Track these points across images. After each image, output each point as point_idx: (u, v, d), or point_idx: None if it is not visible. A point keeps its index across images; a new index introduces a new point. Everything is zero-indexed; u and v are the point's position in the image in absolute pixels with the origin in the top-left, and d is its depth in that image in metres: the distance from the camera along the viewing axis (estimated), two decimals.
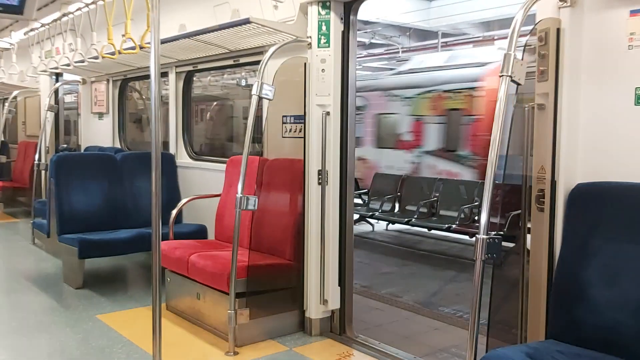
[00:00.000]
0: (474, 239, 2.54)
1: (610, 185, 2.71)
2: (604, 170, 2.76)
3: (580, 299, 2.68)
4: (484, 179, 2.61)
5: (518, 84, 2.62)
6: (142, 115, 8.90)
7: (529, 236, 3.00)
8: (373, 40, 18.45)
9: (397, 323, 5.00)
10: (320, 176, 4.21)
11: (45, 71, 7.76)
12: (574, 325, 2.69)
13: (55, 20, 6.42)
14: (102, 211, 5.74)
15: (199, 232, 5.57)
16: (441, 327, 4.90)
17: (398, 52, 19.12)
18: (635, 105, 2.66)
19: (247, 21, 4.24)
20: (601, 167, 2.77)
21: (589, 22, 2.79)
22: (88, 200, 5.68)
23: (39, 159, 7.74)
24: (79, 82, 8.56)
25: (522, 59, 2.60)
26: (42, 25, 6.86)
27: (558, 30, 2.80)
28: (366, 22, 16.25)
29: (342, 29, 4.20)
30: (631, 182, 2.65)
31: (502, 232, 2.75)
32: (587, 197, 2.76)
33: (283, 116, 4.62)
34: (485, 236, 2.46)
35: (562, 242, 2.82)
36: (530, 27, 2.94)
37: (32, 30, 7.27)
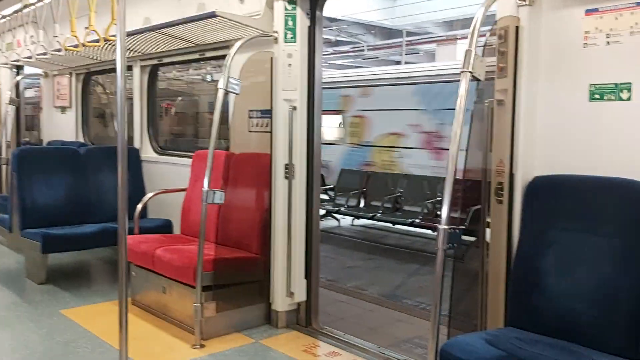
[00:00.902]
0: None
1: (566, 178, 2.82)
2: (560, 164, 2.87)
3: (538, 288, 2.78)
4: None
5: (478, 80, 2.71)
6: (106, 109, 8.79)
7: (488, 230, 3.09)
8: (339, 38, 18.54)
9: (362, 315, 5.08)
10: (287, 170, 4.25)
11: (6, 64, 7.60)
12: (531, 313, 2.79)
13: (16, 12, 6.30)
14: (66, 206, 5.67)
15: (165, 227, 5.55)
16: (405, 318, 5.00)
17: (363, 49, 19.26)
18: (589, 101, 2.77)
19: (212, 15, 4.24)
20: (557, 161, 2.88)
21: (547, 20, 2.90)
22: (51, 195, 5.60)
23: (0, 154, 7.58)
24: (41, 75, 8.40)
25: (482, 56, 2.69)
26: (3, 17, 6.73)
27: (517, 28, 2.89)
28: (332, 20, 16.33)
29: (309, 24, 4.24)
30: (585, 174, 2.77)
31: (463, 227, 2.83)
32: (544, 189, 2.87)
33: (249, 111, 4.64)
34: (446, 227, 2.54)
35: (520, 233, 2.92)
36: (490, 28, 3.03)
37: None
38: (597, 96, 2.75)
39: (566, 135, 2.86)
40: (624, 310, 2.52)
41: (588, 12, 2.78)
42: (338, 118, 11.28)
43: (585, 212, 2.72)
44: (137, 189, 5.79)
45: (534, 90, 2.92)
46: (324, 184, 10.10)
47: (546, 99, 2.92)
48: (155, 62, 6.16)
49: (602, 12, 2.74)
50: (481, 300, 3.09)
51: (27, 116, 9.97)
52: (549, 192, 2.85)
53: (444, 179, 2.61)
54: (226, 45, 4.85)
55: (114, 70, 2.92)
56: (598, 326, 2.57)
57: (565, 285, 2.71)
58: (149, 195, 5.40)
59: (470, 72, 2.62)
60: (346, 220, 10.47)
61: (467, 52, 2.62)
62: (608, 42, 2.72)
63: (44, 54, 5.98)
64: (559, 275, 2.73)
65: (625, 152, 2.67)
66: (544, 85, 2.92)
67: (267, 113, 4.38)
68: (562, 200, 2.80)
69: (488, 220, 3.08)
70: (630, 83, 2.64)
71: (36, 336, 4.11)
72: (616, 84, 2.68)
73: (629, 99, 2.65)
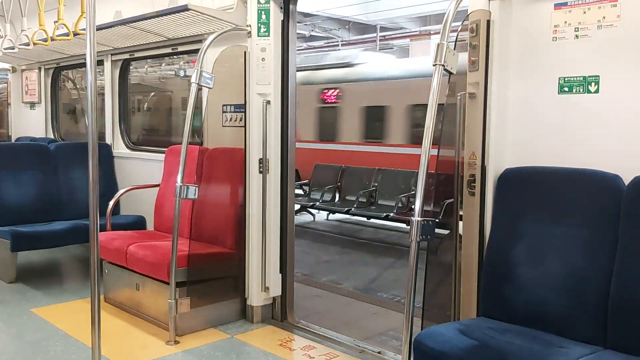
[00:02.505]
0: None
1: (536, 170, 2.87)
2: (530, 156, 2.91)
3: (509, 278, 2.83)
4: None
5: (450, 73, 2.72)
6: (77, 105, 8.64)
7: (461, 223, 3.12)
8: (313, 33, 18.50)
9: (338, 309, 5.10)
10: (261, 165, 4.23)
11: None
12: (503, 303, 2.84)
13: None
14: (36, 203, 5.57)
15: (138, 224, 5.50)
16: (380, 311, 5.03)
17: (338, 44, 19.26)
18: (558, 94, 2.82)
19: (185, 8, 4.20)
20: (528, 153, 2.93)
21: (517, 14, 2.93)
22: (20, 192, 5.50)
23: None
24: (9, 70, 8.23)
25: (454, 49, 2.71)
26: None
27: (488, 22, 2.92)
28: (306, 15, 16.29)
29: (282, 19, 4.23)
30: (555, 166, 2.81)
31: (437, 220, 2.86)
32: (515, 181, 2.91)
33: (223, 105, 4.61)
34: (419, 218, 2.55)
35: (492, 224, 2.96)
36: (462, 23, 3.06)
37: None
38: (566, 89, 2.79)
39: (536, 128, 2.90)
40: (593, 299, 2.57)
41: (557, 6, 2.83)
42: None
43: (554, 203, 2.76)
44: (109, 185, 5.73)
45: (505, 83, 2.96)
46: (298, 178, 10.08)
47: (517, 92, 2.96)
48: (126, 56, 6.09)
49: (570, 6, 2.78)
50: (454, 291, 3.12)
51: None
52: (520, 183, 2.90)
53: (417, 173, 2.62)
54: (199, 39, 4.82)
55: (84, 64, 2.86)
56: (567, 315, 2.62)
57: (536, 275, 2.75)
58: (121, 191, 5.34)
59: (443, 65, 2.64)
60: (321, 215, 10.48)
61: (440, 45, 2.64)
62: (577, 36, 2.76)
63: (12, 48, 5.85)
64: (529, 266, 2.78)
65: (594, 144, 2.72)
66: (515, 78, 2.96)
67: (241, 107, 4.35)
68: (532, 191, 2.85)
69: (461, 213, 3.11)
70: (598, 76, 2.69)
71: (5, 336, 4.04)
72: (584, 77, 2.73)
73: (596, 91, 2.70)
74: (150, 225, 5.38)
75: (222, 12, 4.33)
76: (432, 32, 17.76)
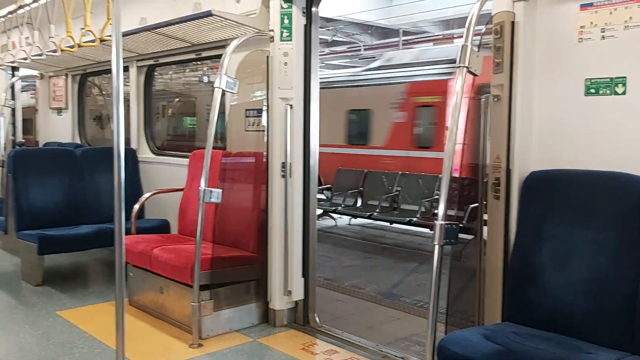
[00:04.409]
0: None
1: (562, 173, 2.83)
2: (556, 158, 2.87)
3: (534, 282, 2.79)
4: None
5: (475, 75, 2.71)
6: (102, 111, 8.77)
7: (486, 228, 3.09)
8: (335, 38, 18.52)
9: (360, 314, 5.07)
10: (283, 169, 4.24)
11: (1, 65, 7.58)
12: (528, 308, 2.80)
13: (10, 13, 6.28)
14: (62, 207, 5.65)
15: (162, 227, 5.54)
16: (403, 316, 4.99)
17: (360, 49, 19.27)
18: (585, 95, 2.78)
19: (209, 14, 4.24)
20: (554, 155, 2.88)
21: (542, 15, 2.90)
22: (47, 196, 5.59)
23: None
24: (37, 77, 8.38)
25: (478, 51, 2.69)
26: None
27: (512, 23, 2.90)
28: (328, 20, 16.32)
29: (305, 22, 4.24)
30: (581, 169, 2.77)
31: (461, 224, 2.83)
32: (540, 184, 2.87)
33: (246, 110, 4.63)
34: (443, 222, 2.53)
35: (517, 228, 2.92)
36: (484, 26, 3.04)
37: None
38: (592, 91, 2.75)
39: (562, 130, 2.87)
40: (619, 304, 2.52)
41: (583, 7, 2.79)
42: None
43: (580, 206, 2.72)
44: (134, 190, 5.78)
45: (530, 85, 2.93)
46: (320, 183, 10.09)
47: (542, 94, 2.92)
48: (151, 62, 6.16)
49: (596, 6, 2.74)
50: (478, 296, 3.09)
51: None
52: (545, 187, 2.85)
53: (440, 177, 2.61)
54: (222, 44, 4.86)
55: (110, 71, 2.90)
56: (594, 319, 2.57)
57: (561, 279, 2.71)
58: (145, 195, 5.40)
59: (467, 67, 2.62)
60: (343, 220, 10.46)
61: (463, 47, 2.62)
62: (603, 37, 2.72)
63: (40, 55, 5.97)
64: (555, 270, 2.73)
65: (621, 146, 2.68)
66: (540, 80, 2.92)
67: (264, 112, 4.37)
68: (558, 194, 2.80)
69: (485, 217, 3.08)
70: (625, 77, 2.65)
71: (32, 337, 4.10)
72: (611, 78, 2.69)
73: (623, 93, 2.66)
74: (174, 229, 5.42)
75: (245, 17, 4.36)
76: (455, 35, 17.67)
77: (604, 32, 2.72)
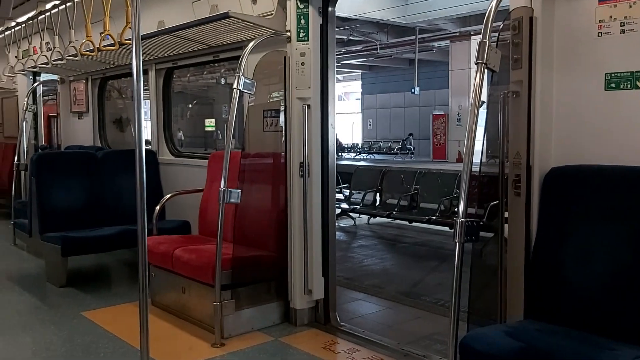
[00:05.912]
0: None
1: (583, 168, 2.80)
2: (576, 154, 2.85)
3: (556, 279, 2.77)
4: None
5: (493, 71, 2.70)
6: (122, 115, 8.87)
7: (506, 225, 3.07)
8: (352, 37, 18.50)
9: (381, 312, 5.08)
10: (302, 169, 4.26)
11: (22, 70, 7.70)
12: (550, 305, 2.78)
13: (31, 19, 6.38)
14: (84, 209, 5.74)
15: (183, 228, 5.60)
16: (423, 315, 4.98)
17: (376, 48, 19.23)
18: (605, 90, 2.75)
19: (226, 16, 4.27)
20: (574, 151, 2.86)
21: (560, 10, 2.88)
22: (70, 198, 5.68)
23: (18, 160, 7.69)
24: (57, 81, 8.50)
25: (496, 47, 2.68)
26: (18, 24, 6.81)
27: (531, 19, 2.88)
28: (344, 19, 16.32)
29: (321, 22, 4.25)
30: (602, 164, 2.74)
31: (481, 222, 2.82)
32: (561, 180, 2.85)
33: (264, 110, 4.66)
34: (464, 219, 2.53)
35: (538, 224, 2.90)
36: (502, 22, 3.02)
37: (7, 29, 7.21)
38: (612, 85, 2.72)
39: (582, 126, 2.84)
40: None
41: (602, 0, 2.76)
42: None
43: (602, 202, 2.69)
44: (154, 191, 5.85)
45: (549, 80, 2.90)
46: (339, 182, 10.08)
47: (561, 90, 2.90)
48: (170, 65, 6.22)
49: (616, 0, 2.72)
50: (500, 293, 3.07)
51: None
52: (566, 182, 2.83)
53: (459, 175, 2.60)
54: (239, 46, 4.89)
55: (129, 74, 2.94)
56: (617, 316, 2.54)
57: (584, 275, 2.69)
58: (166, 196, 5.45)
59: (485, 63, 2.61)
60: (362, 219, 10.45)
61: (482, 44, 2.61)
62: (623, 31, 2.69)
63: (60, 59, 6.05)
64: (577, 266, 2.71)
65: None
66: (559, 75, 2.90)
67: (282, 112, 4.39)
68: (579, 190, 2.78)
69: (506, 215, 3.06)
70: None
71: (57, 338, 4.16)
72: (632, 72, 2.66)
73: None
74: (194, 230, 5.47)
75: (262, 19, 4.38)
76: (472, 32, 17.55)
77: (623, 25, 2.69)
